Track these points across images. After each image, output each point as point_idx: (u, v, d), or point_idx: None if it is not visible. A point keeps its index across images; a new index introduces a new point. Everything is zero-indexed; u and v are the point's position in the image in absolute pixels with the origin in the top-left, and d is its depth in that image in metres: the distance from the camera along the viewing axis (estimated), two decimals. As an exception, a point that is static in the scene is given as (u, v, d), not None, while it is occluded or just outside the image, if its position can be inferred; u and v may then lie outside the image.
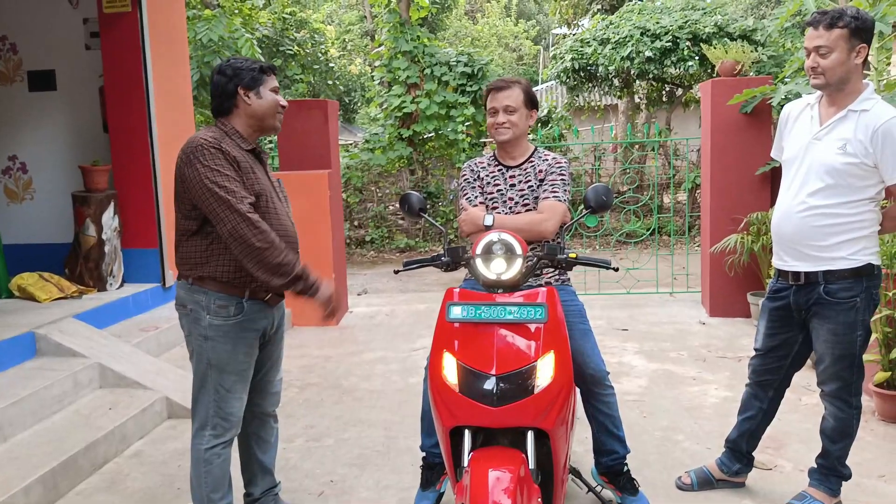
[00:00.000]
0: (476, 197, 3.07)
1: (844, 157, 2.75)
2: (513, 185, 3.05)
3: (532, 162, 3.08)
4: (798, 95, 4.83)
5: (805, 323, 2.96)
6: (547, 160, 3.07)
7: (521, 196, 3.02)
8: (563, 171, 3.03)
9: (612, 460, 3.03)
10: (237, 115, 2.72)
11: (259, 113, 2.71)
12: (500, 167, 3.10)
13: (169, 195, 5.63)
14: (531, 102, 3.04)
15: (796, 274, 2.90)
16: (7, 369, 4.22)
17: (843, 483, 3.05)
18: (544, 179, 3.02)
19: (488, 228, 2.67)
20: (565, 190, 3.00)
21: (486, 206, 3.05)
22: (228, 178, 2.54)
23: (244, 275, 2.64)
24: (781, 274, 2.99)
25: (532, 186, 3.03)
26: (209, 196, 2.52)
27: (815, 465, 3.09)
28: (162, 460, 3.81)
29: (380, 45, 13.12)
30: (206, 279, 2.66)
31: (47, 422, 3.91)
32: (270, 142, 11.94)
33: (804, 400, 4.26)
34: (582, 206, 2.80)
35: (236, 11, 13.27)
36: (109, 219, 5.56)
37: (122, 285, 5.72)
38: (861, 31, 2.70)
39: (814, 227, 2.81)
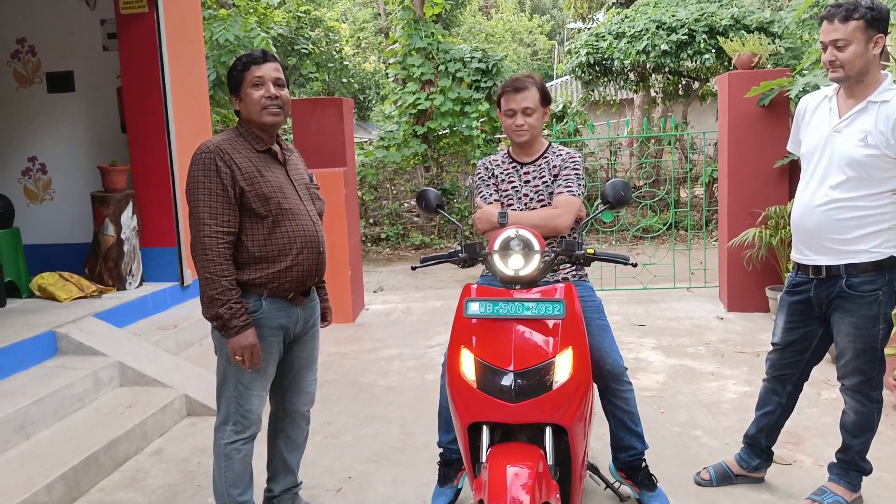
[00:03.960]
0: (491, 195, 3.06)
1: (865, 148, 2.72)
2: (527, 182, 3.05)
3: (546, 158, 3.07)
4: (816, 87, 4.79)
5: (825, 317, 2.94)
6: (561, 155, 3.06)
7: (536, 192, 3.02)
8: (577, 166, 3.02)
9: (630, 456, 3.03)
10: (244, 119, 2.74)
11: (247, 116, 2.69)
12: (514, 164, 3.10)
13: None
14: (545, 100, 3.03)
15: (817, 268, 2.87)
16: (28, 368, 4.28)
17: (864, 478, 3.03)
18: (558, 175, 3.01)
19: (503, 225, 2.66)
20: (579, 184, 3.00)
21: (501, 203, 3.05)
22: (213, 197, 2.55)
23: (261, 276, 2.65)
24: (801, 268, 2.96)
25: (546, 182, 3.02)
26: (192, 208, 2.59)
27: (835, 460, 3.07)
28: (182, 457, 3.84)
29: (394, 43, 13.12)
30: None
31: (69, 420, 3.96)
32: (286, 139, 12.01)
33: (824, 394, 4.23)
34: (599, 202, 2.79)
35: (251, 11, 13.32)
36: (128, 218, 5.61)
37: (140, 284, 5.77)
38: (877, 21, 2.67)
39: (836, 220, 2.79)
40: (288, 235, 2.67)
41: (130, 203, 5.64)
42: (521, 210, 3.00)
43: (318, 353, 3.05)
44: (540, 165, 3.06)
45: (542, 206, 3.00)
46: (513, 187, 3.06)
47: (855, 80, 2.76)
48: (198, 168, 2.58)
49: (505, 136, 11.92)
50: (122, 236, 5.58)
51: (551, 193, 3.00)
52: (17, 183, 6.32)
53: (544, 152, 3.09)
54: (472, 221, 3.07)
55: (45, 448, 3.62)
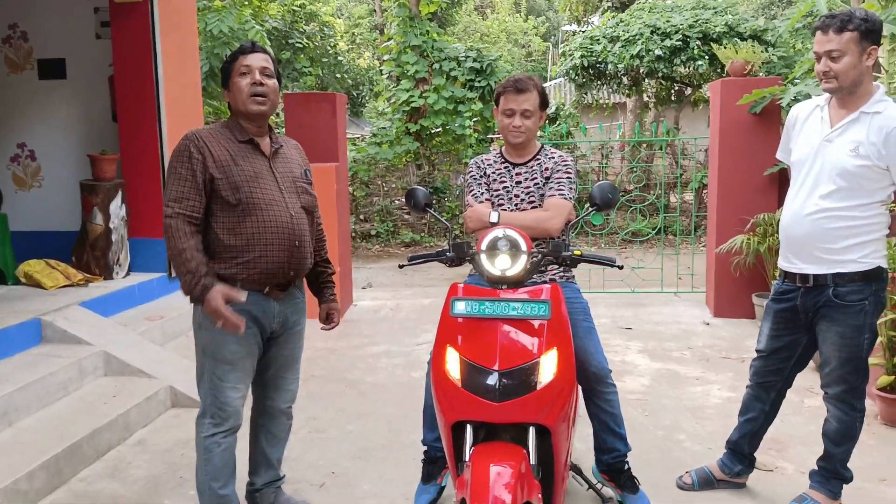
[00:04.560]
0: (482, 194, 3.07)
1: (857, 159, 2.74)
2: (519, 183, 3.05)
3: (538, 160, 3.08)
4: (808, 96, 4.82)
5: (811, 325, 2.95)
6: (553, 158, 3.07)
7: (527, 193, 3.03)
8: (569, 169, 3.03)
9: (613, 458, 3.04)
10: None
11: (234, 106, 2.72)
12: (506, 164, 3.11)
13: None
14: (544, 104, 3.04)
15: (804, 276, 2.89)
16: (13, 355, 4.25)
17: (845, 486, 3.05)
18: (550, 177, 3.02)
19: (494, 225, 2.67)
20: (571, 188, 3.01)
21: (492, 203, 3.05)
22: (181, 181, 2.60)
23: (231, 265, 2.65)
24: (788, 276, 2.98)
25: (538, 184, 3.03)
26: (165, 191, 2.68)
27: (817, 468, 3.09)
28: (165, 448, 3.83)
29: (389, 40, 13.12)
30: None
31: (52, 408, 3.93)
32: (279, 133, 11.96)
33: (807, 402, 4.25)
34: (588, 204, 2.80)
35: (246, 3, 13.27)
36: (117, 208, 5.59)
37: (128, 274, 5.74)
38: (871, 32, 2.69)
39: (826, 229, 2.80)
40: (257, 226, 2.66)
41: (119, 192, 5.61)
42: (512, 210, 3.01)
43: (301, 353, 3.03)
44: (532, 167, 3.06)
45: (533, 207, 3.00)
46: (504, 187, 3.06)
47: (848, 91, 2.78)
48: (174, 154, 2.67)
49: (497, 135, 11.95)
50: (111, 225, 5.55)
51: (542, 195, 3.00)
52: (5, 169, 6.27)
53: (536, 154, 3.09)
54: (463, 220, 3.08)
55: (27, 436, 3.60)
